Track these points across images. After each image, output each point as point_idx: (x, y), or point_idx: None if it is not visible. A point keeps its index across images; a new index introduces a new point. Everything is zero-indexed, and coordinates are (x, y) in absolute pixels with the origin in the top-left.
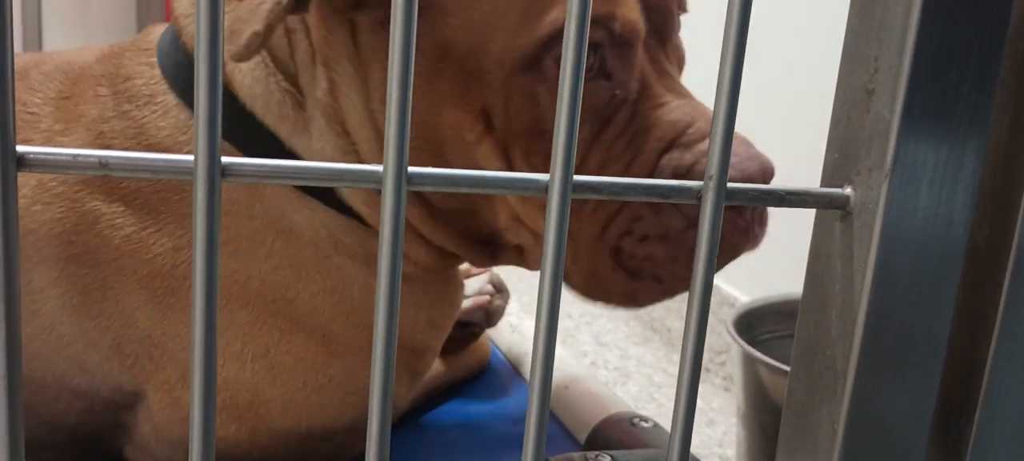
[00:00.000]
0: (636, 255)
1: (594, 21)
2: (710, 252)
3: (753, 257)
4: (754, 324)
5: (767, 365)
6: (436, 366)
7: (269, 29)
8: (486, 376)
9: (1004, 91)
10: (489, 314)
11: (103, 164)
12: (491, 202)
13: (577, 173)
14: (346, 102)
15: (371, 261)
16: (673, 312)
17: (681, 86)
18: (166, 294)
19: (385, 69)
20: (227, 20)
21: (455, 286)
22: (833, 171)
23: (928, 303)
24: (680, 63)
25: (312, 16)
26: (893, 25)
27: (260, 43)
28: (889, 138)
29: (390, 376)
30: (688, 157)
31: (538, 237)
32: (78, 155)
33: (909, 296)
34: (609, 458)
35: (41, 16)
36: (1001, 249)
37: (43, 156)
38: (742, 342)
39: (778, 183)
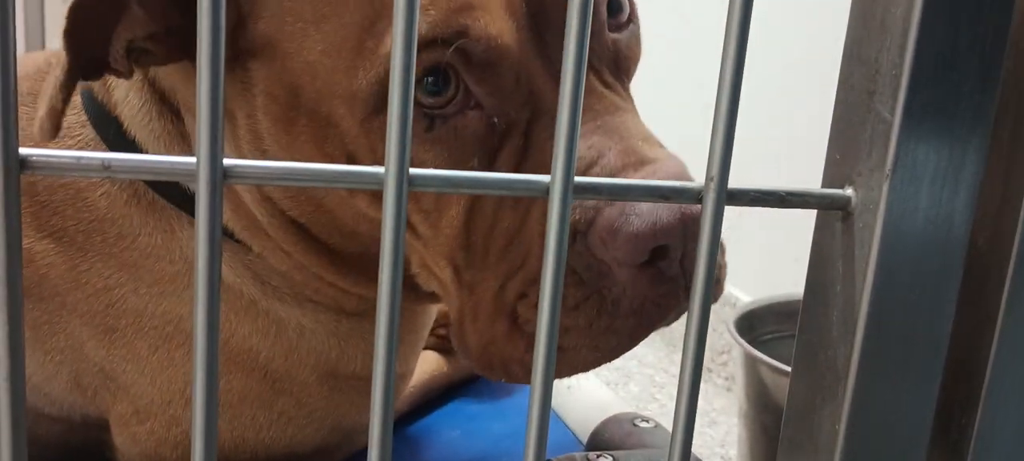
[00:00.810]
0: (533, 322)
1: (439, 42)
2: (711, 254)
3: (755, 257)
4: (755, 324)
5: (769, 365)
6: (439, 365)
7: (53, 111)
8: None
9: (1006, 91)
10: None
11: (106, 166)
12: None
13: (455, 231)
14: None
15: (301, 300)
16: None
17: (612, 95)
18: (106, 331)
19: (245, 114)
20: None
21: (422, 313)
22: (834, 172)
23: (929, 303)
24: (619, 62)
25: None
26: (894, 26)
27: (52, 124)
28: (890, 139)
29: (390, 382)
30: (577, 212)
31: (445, 285)
32: (81, 157)
33: (910, 296)
34: (611, 459)
35: (44, 18)
36: (1002, 249)
37: (46, 159)
38: (744, 342)
39: (779, 184)
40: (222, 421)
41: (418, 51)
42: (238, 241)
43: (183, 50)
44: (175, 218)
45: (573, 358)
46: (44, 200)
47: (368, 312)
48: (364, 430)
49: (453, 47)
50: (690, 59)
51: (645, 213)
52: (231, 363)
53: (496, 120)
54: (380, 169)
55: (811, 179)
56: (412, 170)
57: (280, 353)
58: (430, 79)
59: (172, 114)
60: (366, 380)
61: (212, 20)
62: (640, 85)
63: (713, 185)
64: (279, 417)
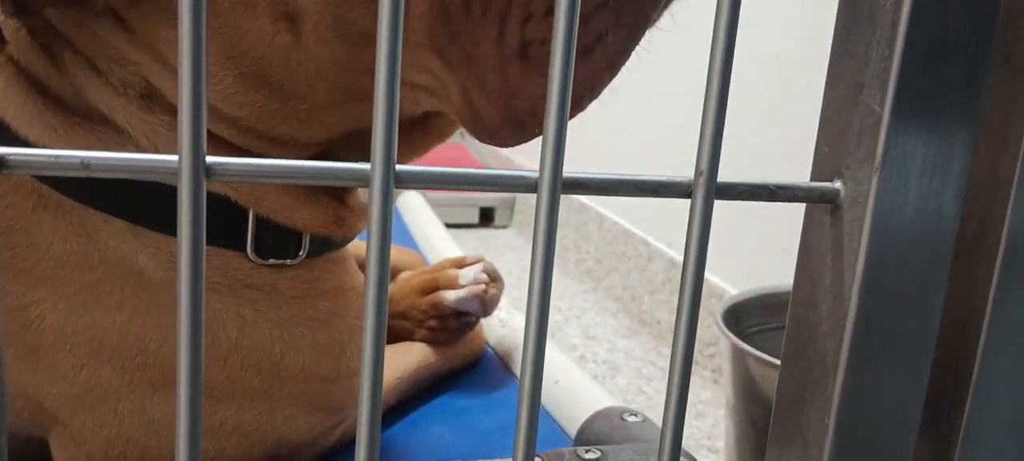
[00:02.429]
0: (547, 35)
1: None
2: (701, 247)
3: (741, 249)
4: (742, 317)
5: (756, 358)
6: (426, 356)
7: None
8: (476, 370)
9: (994, 83)
10: (485, 303)
11: (85, 165)
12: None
13: (426, 7)
14: (166, 87)
15: (239, 288)
16: (663, 305)
17: None
18: (28, 353)
19: (170, 31)
20: None
21: (343, 293)
22: (823, 165)
23: (918, 296)
24: None
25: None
26: (883, 19)
27: None
28: (879, 131)
29: (379, 369)
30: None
31: (437, 81)
32: (59, 156)
33: (899, 289)
34: (599, 453)
35: None
36: (990, 240)
37: (24, 158)
38: (731, 335)
39: (768, 177)
40: (161, 440)
41: None
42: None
43: None
44: (88, 220)
45: (600, 60)
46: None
47: (307, 295)
48: (312, 444)
49: None
50: (679, 53)
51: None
52: (163, 376)
53: None
54: (366, 166)
55: (799, 173)
56: (399, 167)
57: (217, 358)
58: None
59: (54, 101)
60: (308, 380)
61: (193, 12)
62: (630, 80)
63: (702, 180)
64: (220, 427)
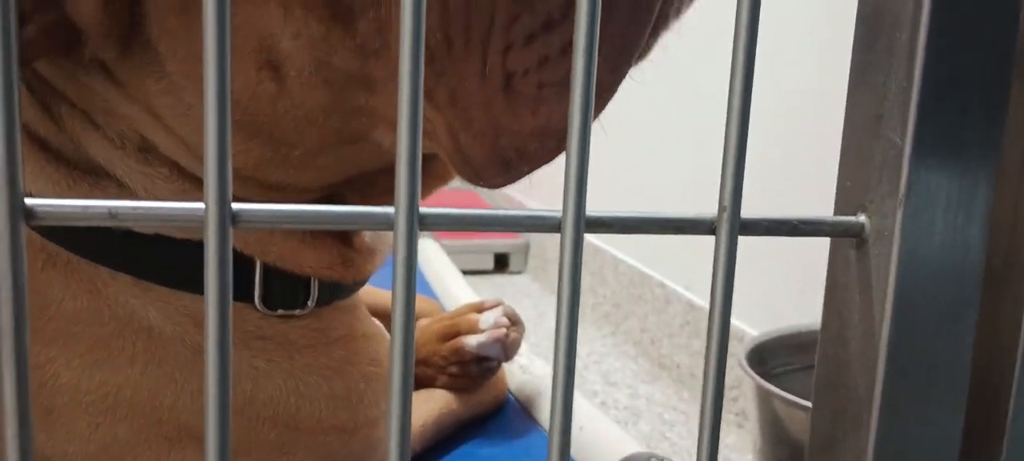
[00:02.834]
0: (529, 66)
1: None
2: (727, 287)
3: (760, 290)
4: (766, 358)
5: (783, 399)
6: (448, 403)
7: None
8: (498, 417)
9: (1015, 112)
10: (506, 347)
11: (113, 214)
12: (374, 112)
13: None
14: (161, 142)
15: (250, 340)
16: (682, 348)
17: None
18: (44, 413)
19: (161, 90)
20: None
21: (355, 340)
22: (846, 199)
23: (949, 330)
24: None
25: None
26: (900, 50)
27: None
28: (902, 164)
29: (407, 415)
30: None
31: (427, 123)
32: (87, 206)
33: (930, 324)
34: None
35: None
36: (1017, 270)
37: (52, 208)
38: (756, 376)
39: (791, 212)
40: None
41: None
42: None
43: (47, 44)
44: (97, 276)
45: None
46: None
47: (319, 343)
48: None
49: None
50: (699, 89)
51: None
52: (180, 432)
53: None
54: (389, 209)
55: (822, 207)
56: (422, 209)
57: (233, 412)
58: None
59: (56, 156)
60: (323, 433)
61: (218, 52)
62: (650, 116)
63: (726, 216)
64: None
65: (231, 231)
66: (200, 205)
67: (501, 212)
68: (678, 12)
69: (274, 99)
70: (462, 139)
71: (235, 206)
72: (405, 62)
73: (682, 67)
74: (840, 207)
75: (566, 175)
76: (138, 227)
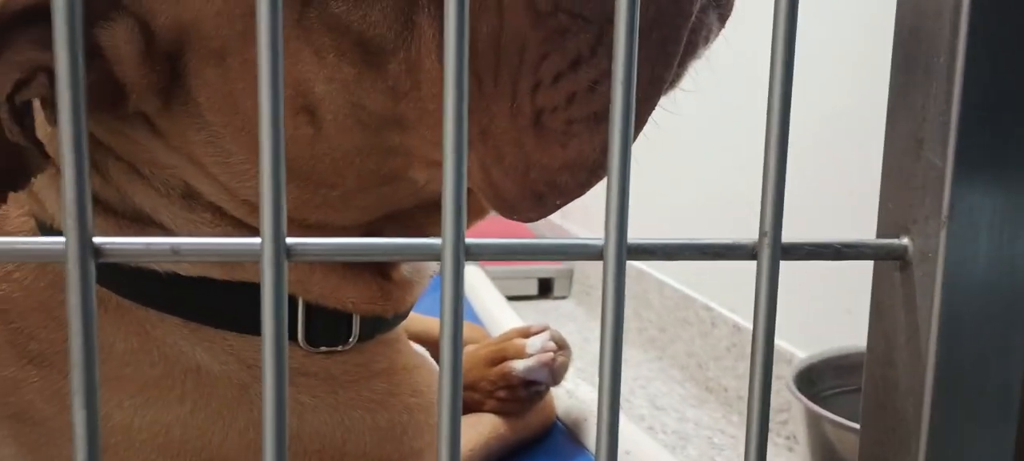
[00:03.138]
0: (558, 103)
1: None
2: (770, 308)
3: (806, 312)
4: (815, 380)
5: (833, 422)
6: (496, 428)
7: None
8: (546, 442)
9: None
10: (553, 371)
11: (175, 251)
12: (409, 152)
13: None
14: (205, 189)
15: (295, 376)
16: (729, 371)
17: None
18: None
19: (205, 139)
20: None
21: (396, 372)
22: (888, 221)
23: (998, 350)
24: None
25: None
26: (938, 73)
27: None
28: (943, 186)
29: (457, 443)
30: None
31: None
32: (151, 244)
33: (978, 343)
34: None
35: None
36: None
37: (119, 246)
38: (805, 400)
39: (832, 234)
40: None
41: None
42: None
43: (94, 100)
44: (146, 318)
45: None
46: (18, 326)
47: (361, 377)
48: None
49: None
50: (738, 112)
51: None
52: None
53: None
54: (436, 240)
55: (864, 228)
56: (469, 239)
57: None
58: None
59: (104, 207)
60: None
61: (272, 94)
62: (689, 140)
63: (767, 241)
64: None
65: (286, 264)
66: (256, 240)
67: (544, 241)
68: (707, 40)
69: (312, 142)
70: (494, 174)
71: (289, 240)
72: (449, 95)
73: (723, 88)
74: (883, 229)
75: (607, 204)
76: (184, 270)
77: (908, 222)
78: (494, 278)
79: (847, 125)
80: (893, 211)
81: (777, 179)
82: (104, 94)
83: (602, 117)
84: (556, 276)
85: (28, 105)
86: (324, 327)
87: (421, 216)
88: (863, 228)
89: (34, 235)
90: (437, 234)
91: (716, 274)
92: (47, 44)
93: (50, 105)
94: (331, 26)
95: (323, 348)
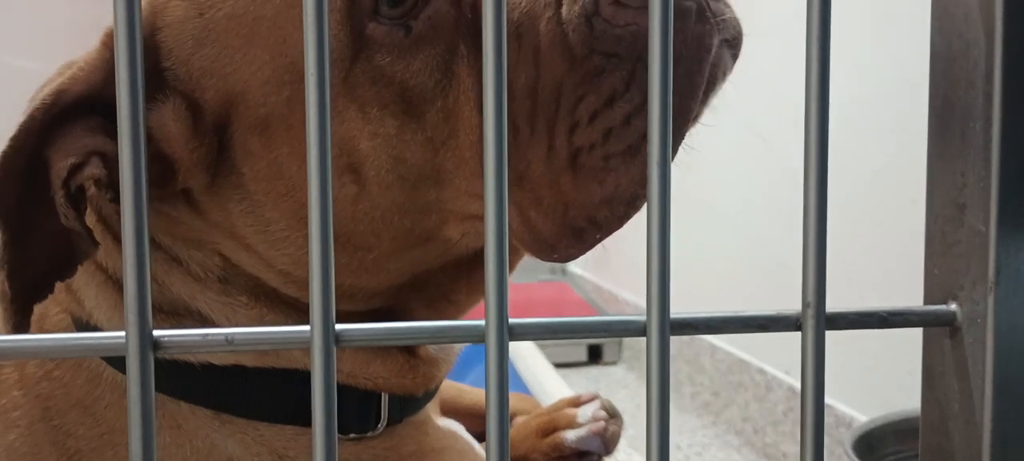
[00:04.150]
0: (595, 140)
1: None
2: (817, 383)
3: (865, 373)
4: (875, 445)
5: None
6: None
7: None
8: None
9: None
10: (605, 441)
11: (230, 341)
12: (443, 209)
13: (478, 137)
14: (243, 260)
15: None
16: (787, 436)
17: None
18: None
19: (244, 210)
20: None
21: (424, 456)
22: (935, 286)
23: None
24: None
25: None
26: (974, 140)
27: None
28: (988, 250)
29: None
30: (577, 4)
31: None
32: (207, 334)
33: None
34: None
35: None
36: None
37: (177, 339)
38: None
39: (878, 300)
40: None
41: None
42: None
43: (147, 180)
44: (178, 411)
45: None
46: (57, 423)
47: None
48: None
49: None
50: (776, 180)
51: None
52: None
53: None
54: (480, 322)
55: (910, 291)
56: (512, 321)
57: None
58: None
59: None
60: None
61: (320, 176)
62: (729, 210)
63: (811, 311)
64: None
65: (335, 351)
66: (305, 329)
67: (587, 319)
68: (724, 75)
69: (355, 201)
70: (532, 217)
71: (339, 328)
72: (490, 202)
73: (768, 151)
74: (930, 295)
75: (648, 281)
76: (218, 358)
77: (955, 287)
78: (542, 346)
79: (890, 184)
80: (939, 276)
81: (818, 248)
82: (153, 175)
83: (637, 149)
84: (606, 342)
85: (81, 189)
86: (354, 410)
87: (444, 280)
88: (911, 288)
89: (69, 332)
90: (461, 298)
91: (769, 336)
92: (99, 129)
93: (103, 187)
94: (375, 78)
95: (352, 434)
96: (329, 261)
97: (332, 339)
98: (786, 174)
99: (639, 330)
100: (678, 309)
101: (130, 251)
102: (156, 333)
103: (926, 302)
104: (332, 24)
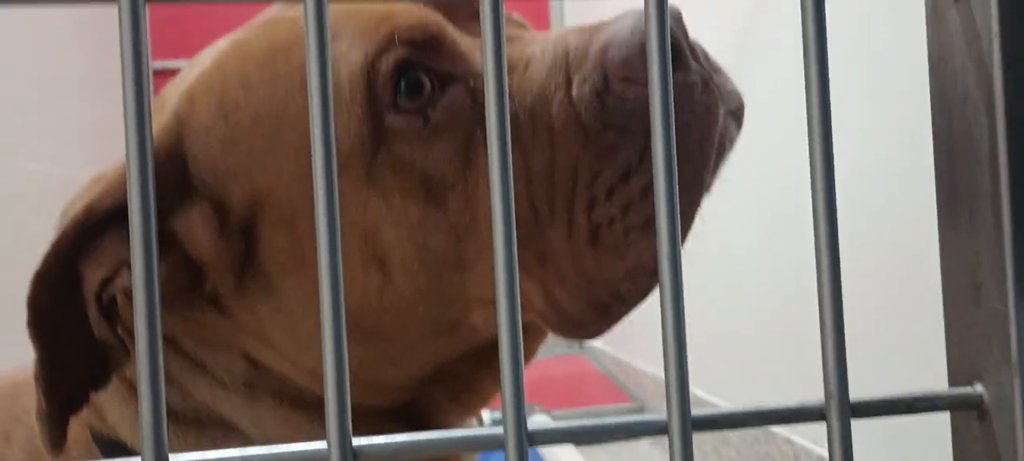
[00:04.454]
0: (614, 215)
1: (387, 49)
2: None
3: (900, 453)
4: None
5: None
6: None
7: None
8: None
9: None
10: None
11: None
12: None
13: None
14: (269, 360)
15: None
16: None
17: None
18: None
19: (272, 309)
20: None
21: None
22: (958, 368)
23: None
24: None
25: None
26: (984, 221)
27: None
28: (1009, 331)
29: None
30: (586, 85)
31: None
32: (223, 456)
33: None
34: None
35: None
36: None
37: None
38: None
39: (905, 388)
40: None
41: (376, 64)
42: None
43: (173, 288)
44: None
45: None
46: None
47: None
48: None
49: (399, 42)
50: (793, 266)
51: (629, 19)
52: None
53: (472, 82)
54: (499, 430)
55: (934, 369)
56: (531, 428)
57: None
58: (402, 83)
59: (166, 413)
60: None
61: (332, 287)
62: (747, 301)
63: (834, 402)
64: None
65: None
66: (322, 445)
67: (609, 421)
68: (732, 143)
69: (380, 292)
70: (556, 296)
71: (356, 442)
72: (503, 310)
73: (787, 238)
74: (954, 377)
75: (667, 380)
76: None
77: (980, 369)
78: (565, 420)
79: (908, 262)
80: (961, 358)
81: (836, 338)
82: (181, 280)
83: (652, 222)
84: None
85: (113, 300)
86: None
87: (468, 370)
88: (935, 363)
89: (89, 447)
90: (485, 387)
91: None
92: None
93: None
94: (396, 167)
95: None
96: (343, 377)
97: (350, 455)
98: (796, 243)
99: (660, 429)
100: (700, 385)
101: (145, 389)
102: (173, 457)
103: (951, 384)
104: (353, 117)
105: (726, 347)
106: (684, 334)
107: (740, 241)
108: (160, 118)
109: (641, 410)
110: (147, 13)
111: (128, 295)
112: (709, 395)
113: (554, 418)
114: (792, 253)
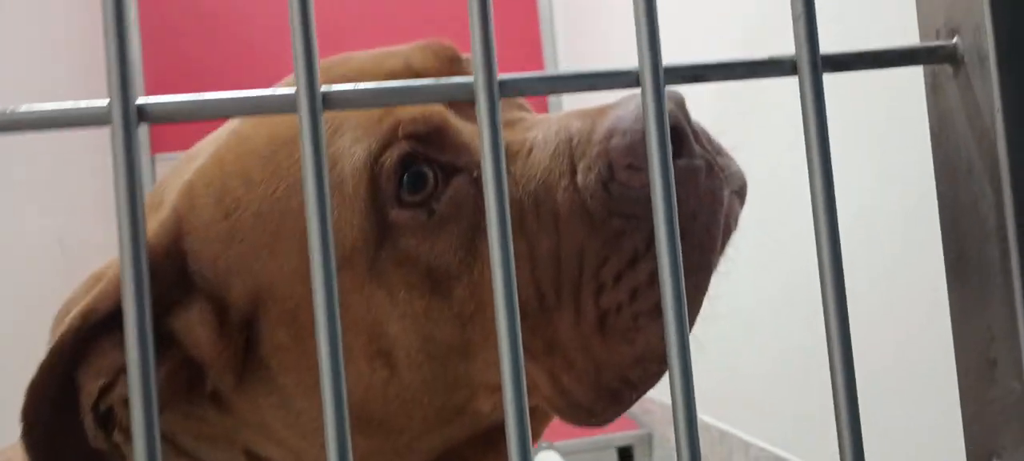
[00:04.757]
0: (622, 301)
1: (388, 144)
2: None
3: None
4: None
5: None
6: None
7: None
8: None
9: None
10: None
11: None
12: (472, 379)
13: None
14: (272, 454)
15: None
16: None
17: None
18: None
19: (274, 404)
20: None
21: None
22: (976, 447)
23: None
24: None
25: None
26: (995, 295)
27: None
28: None
29: None
30: (591, 173)
31: (529, 379)
32: None
33: None
34: None
35: None
36: None
37: None
38: None
39: (915, 454)
40: None
41: (380, 159)
42: None
43: (173, 389)
44: None
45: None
46: None
47: None
48: None
49: (402, 136)
50: (806, 334)
51: (632, 104)
52: None
53: (475, 172)
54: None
55: (950, 445)
56: None
57: None
58: (406, 177)
59: None
60: None
61: (335, 394)
62: (759, 371)
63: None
64: None
65: None
66: None
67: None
68: (736, 222)
69: (386, 385)
70: (565, 383)
71: None
72: (508, 390)
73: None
74: (972, 453)
75: (677, 438)
76: None
77: (998, 447)
78: (572, 451)
79: (921, 341)
80: (979, 434)
81: (849, 408)
82: (181, 381)
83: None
84: (635, 443)
85: (111, 409)
86: None
87: (470, 452)
88: (953, 442)
89: None
90: None
91: (805, 431)
92: None
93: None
94: (401, 261)
95: None
96: (346, 445)
97: None
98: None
99: None
100: (708, 411)
101: None
102: None
103: (970, 459)
104: (356, 213)
105: (736, 380)
106: (694, 415)
107: (751, 301)
108: (158, 215)
109: (650, 437)
110: (139, 133)
111: (127, 403)
112: (716, 421)
113: (566, 447)
114: (805, 310)
